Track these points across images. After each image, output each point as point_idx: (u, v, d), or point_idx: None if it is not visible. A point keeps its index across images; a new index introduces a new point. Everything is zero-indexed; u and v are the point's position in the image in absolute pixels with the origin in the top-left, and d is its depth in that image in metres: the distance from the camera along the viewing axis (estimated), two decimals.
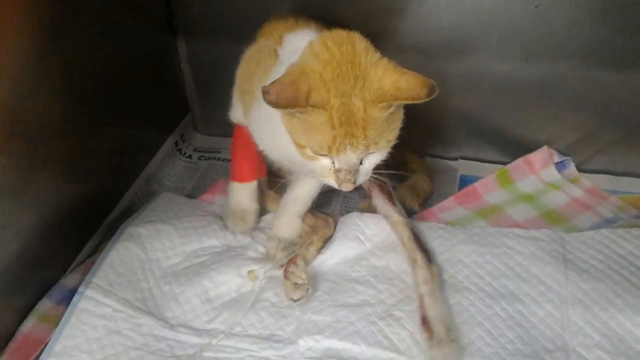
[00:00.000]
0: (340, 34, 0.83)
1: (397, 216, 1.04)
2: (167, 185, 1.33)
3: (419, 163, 1.29)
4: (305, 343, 0.92)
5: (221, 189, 1.20)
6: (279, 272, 1.02)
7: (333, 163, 0.83)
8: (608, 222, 1.12)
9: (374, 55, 0.81)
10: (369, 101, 0.78)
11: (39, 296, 0.99)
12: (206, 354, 0.92)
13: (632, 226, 1.07)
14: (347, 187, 0.84)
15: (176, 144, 1.44)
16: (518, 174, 1.25)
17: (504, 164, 1.28)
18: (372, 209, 1.12)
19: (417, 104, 1.22)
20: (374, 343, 0.91)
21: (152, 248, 1.07)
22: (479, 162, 1.33)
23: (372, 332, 0.92)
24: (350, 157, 0.81)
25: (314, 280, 1.02)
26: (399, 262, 1.03)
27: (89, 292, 0.97)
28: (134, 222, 1.12)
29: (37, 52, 0.94)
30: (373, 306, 0.97)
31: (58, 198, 1.03)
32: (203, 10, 1.31)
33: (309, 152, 0.83)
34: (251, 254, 1.08)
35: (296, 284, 0.98)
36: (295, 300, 0.97)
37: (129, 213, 1.21)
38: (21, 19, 0.90)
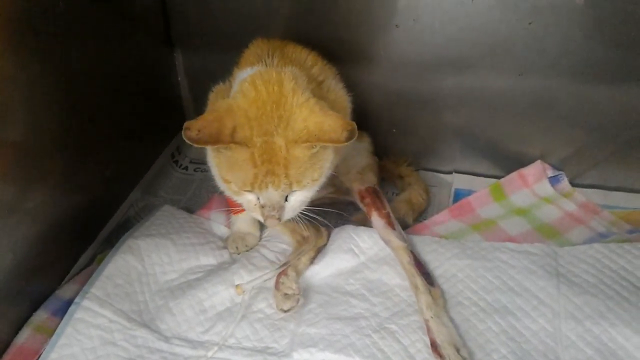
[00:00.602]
0: (269, 73, 0.85)
1: (397, 241, 1.04)
2: (163, 196, 1.34)
3: (415, 177, 1.30)
4: (300, 356, 0.92)
5: (217, 204, 1.20)
6: (271, 284, 1.02)
7: (258, 199, 0.86)
8: (601, 237, 1.13)
9: (300, 97, 0.83)
10: (292, 141, 0.81)
11: (35, 307, 0.99)
12: None
13: (624, 241, 1.08)
14: (271, 223, 0.87)
15: (172, 155, 1.45)
16: (512, 187, 1.26)
17: (498, 177, 1.29)
18: (366, 222, 1.13)
19: (412, 119, 1.25)
20: (368, 356, 0.91)
21: (150, 262, 1.08)
22: (473, 176, 1.34)
23: (366, 345, 0.93)
24: (272, 194, 0.83)
25: (308, 293, 1.03)
26: (392, 275, 1.04)
27: (86, 303, 0.97)
28: (133, 234, 1.12)
29: (33, 65, 0.95)
30: (367, 319, 0.97)
31: (54, 210, 1.04)
32: (199, 22, 1.33)
33: (234, 188, 0.86)
34: (244, 268, 1.08)
35: (286, 294, 0.98)
36: (285, 311, 0.98)
37: (125, 224, 1.22)
38: (17, 32, 0.90)
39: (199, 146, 0.82)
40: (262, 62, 0.97)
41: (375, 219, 1.08)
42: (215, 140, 0.81)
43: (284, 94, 0.83)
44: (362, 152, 1.19)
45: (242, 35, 1.26)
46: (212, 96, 1.04)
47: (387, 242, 1.06)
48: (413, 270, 1.00)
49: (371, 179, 1.15)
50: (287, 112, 0.82)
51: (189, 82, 1.44)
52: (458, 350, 0.89)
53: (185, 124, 0.80)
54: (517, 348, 0.91)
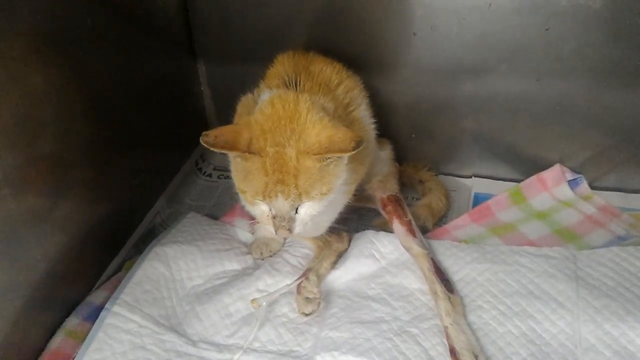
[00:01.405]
0: (288, 94, 0.90)
1: (418, 248, 1.06)
2: (188, 203, 1.37)
3: (435, 182, 1.31)
4: (323, 359, 0.94)
5: (240, 211, 1.23)
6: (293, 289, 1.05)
7: (270, 210, 0.89)
8: (620, 240, 1.13)
9: (314, 115, 0.87)
10: (302, 152, 0.84)
11: (67, 313, 1.03)
12: None
13: None
14: (282, 234, 0.90)
15: (196, 163, 1.48)
16: (531, 191, 1.27)
17: (518, 181, 1.30)
18: (386, 226, 1.15)
19: (431, 124, 1.26)
20: (389, 359, 0.93)
21: (177, 268, 1.11)
22: (492, 180, 1.35)
23: (388, 348, 0.95)
24: (282, 204, 0.86)
25: (330, 297, 1.05)
26: (413, 280, 1.06)
27: (116, 308, 1.00)
28: (160, 241, 1.16)
29: (62, 80, 0.98)
30: (388, 323, 0.99)
31: (83, 219, 1.07)
32: (222, 34, 1.36)
33: (249, 197, 0.89)
34: (267, 273, 1.10)
35: (308, 298, 1.01)
36: (307, 314, 1.01)
37: (151, 231, 1.26)
38: (47, 49, 0.94)
39: (216, 150, 0.86)
40: (285, 86, 1.01)
41: (397, 226, 1.10)
42: (231, 147, 0.85)
43: (299, 111, 0.87)
44: (384, 160, 1.21)
45: (263, 46, 1.30)
46: (239, 107, 1.07)
47: (408, 249, 1.07)
48: (433, 277, 1.01)
49: (393, 187, 1.18)
50: (300, 127, 0.85)
51: (212, 92, 1.47)
52: (476, 357, 0.90)
53: (204, 132, 0.85)
54: (537, 351, 0.92)
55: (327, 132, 0.85)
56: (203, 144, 0.85)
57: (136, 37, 1.20)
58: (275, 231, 0.90)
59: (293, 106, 0.87)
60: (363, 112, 1.08)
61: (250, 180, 0.88)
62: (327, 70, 1.06)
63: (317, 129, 0.85)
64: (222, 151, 0.86)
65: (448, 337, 0.94)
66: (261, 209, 0.90)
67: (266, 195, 0.86)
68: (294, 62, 1.06)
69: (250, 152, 0.85)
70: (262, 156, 0.85)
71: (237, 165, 0.90)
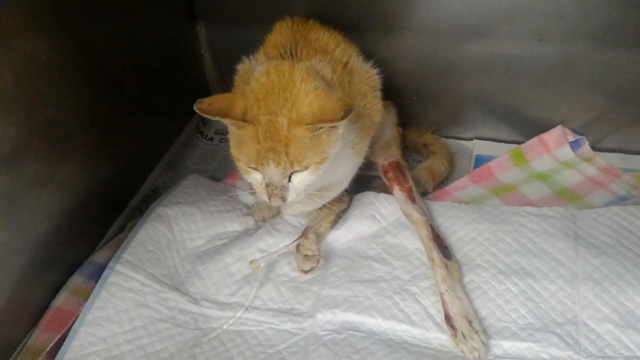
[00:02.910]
0: (283, 64, 0.90)
1: (417, 215, 1.06)
2: (190, 166, 1.38)
3: (439, 145, 1.31)
4: (324, 316, 0.96)
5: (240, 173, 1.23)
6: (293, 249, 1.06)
7: (264, 178, 0.89)
8: (621, 200, 1.14)
9: (308, 84, 0.86)
10: (294, 121, 0.84)
11: (70, 272, 1.04)
12: (229, 327, 0.97)
13: None
14: (275, 202, 0.90)
15: (197, 127, 1.48)
16: (532, 153, 1.27)
17: (519, 143, 1.29)
18: (386, 188, 1.15)
19: (433, 87, 1.25)
20: (389, 316, 0.95)
21: (178, 229, 1.12)
22: (494, 142, 1.35)
23: (388, 306, 0.96)
24: (273, 171, 0.87)
25: (330, 257, 1.06)
26: (413, 240, 1.06)
27: (119, 267, 1.02)
28: (162, 203, 1.17)
29: (61, 46, 0.98)
30: (388, 282, 1.00)
31: (86, 181, 1.08)
32: None
33: (243, 165, 0.90)
34: (268, 234, 1.11)
35: (306, 255, 1.02)
36: (306, 272, 1.02)
37: (153, 194, 1.27)
38: (45, 15, 0.94)
39: (209, 117, 0.86)
40: (284, 56, 1.00)
41: (397, 192, 1.10)
42: (225, 114, 0.86)
43: (293, 80, 0.86)
44: (387, 124, 1.20)
45: (264, 7, 1.29)
46: (237, 77, 1.06)
47: (407, 215, 1.08)
48: (431, 244, 1.02)
49: (394, 153, 1.17)
50: (293, 96, 0.85)
51: (212, 56, 1.46)
52: (470, 323, 0.91)
53: (199, 99, 0.86)
54: (536, 308, 0.94)
55: (319, 101, 0.84)
56: (197, 110, 0.85)
57: (135, 1, 1.19)
58: (269, 199, 0.90)
59: (288, 75, 0.87)
60: (362, 63, 1.07)
61: (243, 148, 0.88)
62: (325, 36, 1.05)
63: (309, 98, 0.85)
64: (216, 118, 0.86)
65: (443, 302, 0.95)
66: (255, 177, 0.91)
67: (258, 162, 0.86)
68: (292, 31, 1.05)
69: (244, 121, 0.86)
70: (255, 124, 0.85)
71: (232, 133, 0.90)
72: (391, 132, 1.21)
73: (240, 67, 1.06)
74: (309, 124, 0.83)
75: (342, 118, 0.82)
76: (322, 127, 0.85)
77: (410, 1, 1.20)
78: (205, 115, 0.86)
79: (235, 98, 0.87)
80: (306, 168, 0.87)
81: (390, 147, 1.18)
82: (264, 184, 0.90)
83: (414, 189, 1.11)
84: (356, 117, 0.98)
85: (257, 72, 0.92)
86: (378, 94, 1.07)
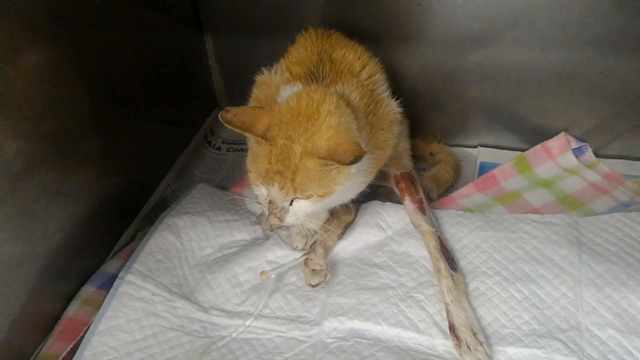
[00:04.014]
0: (316, 92, 0.90)
1: (426, 226, 1.07)
2: (198, 176, 1.39)
3: (445, 154, 1.32)
4: (330, 324, 0.98)
5: (248, 182, 1.25)
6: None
7: (267, 195, 0.91)
8: (623, 206, 1.14)
9: (333, 120, 0.87)
10: (307, 152, 0.85)
11: (82, 282, 1.06)
12: (237, 335, 0.98)
13: None
14: (273, 220, 0.93)
15: (205, 136, 1.50)
16: (536, 160, 1.27)
17: (523, 150, 1.30)
18: (391, 195, 1.17)
19: (437, 95, 1.26)
20: (395, 323, 0.96)
21: (187, 238, 1.14)
22: (498, 149, 1.36)
23: (394, 314, 0.97)
24: (276, 193, 0.89)
25: (337, 265, 1.08)
26: (418, 248, 1.08)
27: (130, 277, 1.04)
28: (171, 213, 1.19)
29: (71, 56, 1.00)
30: (394, 289, 1.02)
31: (96, 191, 1.10)
32: (229, 7, 1.37)
33: (253, 177, 0.92)
34: (277, 244, 1.13)
35: (314, 270, 1.03)
36: (313, 286, 1.03)
37: (162, 203, 1.29)
38: (55, 26, 0.95)
39: (231, 128, 0.88)
40: (311, 76, 1.01)
41: (408, 203, 1.11)
42: (247, 128, 0.88)
43: (320, 112, 0.87)
44: (400, 136, 1.19)
45: (271, 19, 1.31)
46: (255, 88, 1.08)
47: (416, 226, 1.08)
48: (438, 255, 1.02)
49: (407, 164, 1.18)
50: (314, 127, 0.86)
51: (220, 66, 1.48)
52: (475, 335, 0.92)
53: (226, 107, 0.88)
54: (539, 314, 0.95)
55: (337, 139, 0.85)
56: (220, 119, 0.87)
57: (143, 12, 1.21)
58: (268, 215, 0.92)
59: (316, 106, 0.88)
60: (385, 94, 1.08)
61: (256, 163, 0.90)
62: (350, 56, 1.05)
63: (329, 133, 0.86)
64: (237, 130, 0.88)
65: (448, 313, 0.95)
66: (261, 192, 0.93)
67: (265, 180, 0.89)
68: (317, 47, 1.06)
69: (263, 138, 0.88)
70: (271, 145, 0.87)
71: (250, 145, 0.93)
72: (404, 143, 1.22)
73: (258, 78, 1.08)
74: (320, 158, 0.85)
75: (350, 163, 0.83)
76: (332, 164, 0.86)
77: (414, 11, 1.22)
78: (227, 126, 0.87)
79: (262, 115, 0.89)
80: (308, 198, 0.89)
81: (403, 159, 1.18)
82: (267, 200, 0.92)
83: (424, 200, 1.12)
84: (373, 148, 1.00)
85: (289, 92, 0.94)
86: (395, 129, 1.08)
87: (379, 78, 1.08)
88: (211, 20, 1.41)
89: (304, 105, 0.88)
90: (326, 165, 0.86)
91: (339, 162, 0.84)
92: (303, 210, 0.92)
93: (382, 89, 1.07)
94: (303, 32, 1.10)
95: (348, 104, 0.94)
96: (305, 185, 0.87)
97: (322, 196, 0.90)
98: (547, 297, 0.97)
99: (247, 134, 0.89)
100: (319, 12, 1.29)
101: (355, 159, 0.83)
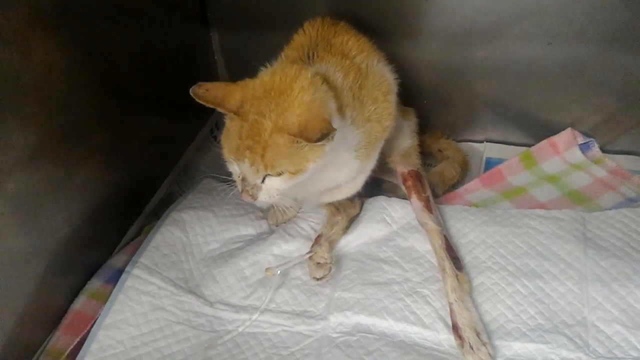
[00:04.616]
0: (291, 68, 0.89)
1: (432, 224, 1.06)
2: (203, 170, 1.39)
3: (454, 150, 1.32)
4: (336, 319, 0.98)
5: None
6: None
7: (240, 172, 0.91)
8: (630, 202, 1.15)
9: (306, 95, 0.86)
10: (278, 127, 0.84)
11: (89, 276, 1.07)
12: (243, 329, 0.99)
13: None
14: (245, 197, 0.91)
15: (211, 131, 1.50)
16: (542, 155, 1.27)
17: (529, 146, 1.30)
18: (396, 189, 1.17)
19: (443, 90, 1.26)
20: (401, 318, 0.96)
21: (193, 233, 1.14)
22: (504, 145, 1.36)
23: (399, 308, 0.98)
24: (247, 169, 0.87)
25: (342, 260, 1.08)
26: (424, 243, 1.08)
27: (136, 271, 1.04)
28: (177, 207, 1.19)
29: (77, 50, 1.00)
30: (400, 284, 1.02)
31: (102, 186, 1.10)
32: (234, 2, 1.37)
33: (225, 153, 0.91)
34: (281, 238, 1.13)
35: (319, 263, 1.03)
36: (318, 279, 1.03)
37: (169, 197, 1.29)
38: (61, 19, 0.96)
39: (202, 102, 0.87)
40: (300, 59, 1.01)
41: (415, 201, 1.11)
42: (219, 103, 0.87)
43: (292, 87, 0.86)
44: (406, 133, 1.20)
45: (277, 14, 1.31)
46: None
47: (422, 224, 1.08)
48: (443, 254, 1.02)
49: (414, 162, 1.17)
50: (286, 103, 0.85)
51: (225, 61, 1.49)
52: (478, 335, 0.91)
53: (199, 83, 0.87)
54: (545, 309, 0.95)
55: (308, 115, 0.84)
56: (192, 94, 0.86)
57: (149, 6, 1.21)
58: (241, 192, 0.91)
59: (289, 81, 0.86)
60: (378, 65, 1.06)
61: (228, 138, 0.90)
62: (350, 42, 1.05)
63: (301, 109, 0.85)
64: (209, 105, 0.87)
65: (452, 312, 0.95)
66: (234, 168, 0.93)
67: (236, 156, 0.88)
68: (316, 32, 1.05)
69: (235, 114, 0.87)
70: (242, 120, 0.86)
71: (226, 121, 0.92)
72: (412, 140, 1.20)
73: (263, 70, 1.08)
74: (291, 135, 0.84)
75: (318, 140, 0.82)
76: (302, 141, 0.85)
77: (420, 6, 1.21)
78: (199, 100, 0.87)
79: (234, 90, 0.88)
80: (279, 175, 0.88)
81: (410, 156, 1.18)
82: (239, 177, 0.92)
83: (431, 199, 1.12)
84: (364, 121, 0.98)
85: (265, 70, 0.93)
86: (391, 97, 1.06)
87: (373, 56, 1.06)
88: (217, 14, 1.41)
89: (277, 81, 0.87)
90: (296, 142, 0.85)
91: (307, 139, 0.83)
92: (275, 188, 0.90)
93: (375, 62, 1.05)
94: (310, 20, 1.09)
95: (328, 81, 0.92)
96: (275, 161, 0.86)
97: (294, 173, 0.88)
98: (553, 292, 0.97)
99: (219, 109, 0.88)
100: (324, 6, 1.29)
101: (322, 136, 0.82)
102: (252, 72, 1.08)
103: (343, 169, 1.00)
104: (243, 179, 0.91)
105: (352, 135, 0.96)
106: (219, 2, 1.39)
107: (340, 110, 0.92)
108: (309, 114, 0.84)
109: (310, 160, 0.87)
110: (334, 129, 0.83)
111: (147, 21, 1.21)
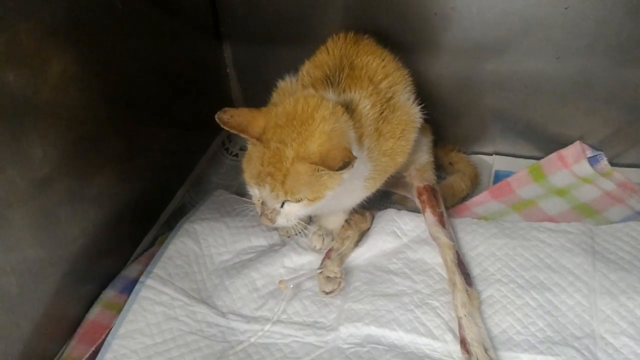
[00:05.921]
0: (313, 98, 0.92)
1: (445, 239, 1.07)
2: (215, 182, 1.41)
3: (465, 164, 1.33)
4: (347, 330, 0.99)
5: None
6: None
7: (259, 196, 0.93)
8: (638, 215, 1.15)
9: (327, 125, 0.88)
10: (299, 156, 0.87)
11: (103, 286, 1.08)
12: (255, 339, 1.00)
13: None
14: (264, 221, 0.95)
15: (223, 143, 1.52)
16: (551, 168, 1.28)
17: (538, 159, 1.31)
18: (405, 200, 1.19)
19: (452, 104, 1.27)
20: (410, 329, 0.97)
21: (206, 244, 1.16)
22: (513, 157, 1.37)
23: (409, 320, 0.98)
24: (267, 195, 0.90)
25: (353, 272, 1.09)
26: (434, 255, 1.09)
27: (150, 282, 1.06)
28: (190, 219, 1.21)
29: (93, 63, 1.02)
30: (410, 296, 1.03)
31: (117, 197, 1.12)
32: (247, 16, 1.39)
33: (247, 177, 0.94)
34: (293, 250, 1.14)
35: (329, 277, 1.04)
36: (327, 293, 1.04)
37: (181, 209, 1.31)
38: (78, 33, 0.98)
39: (226, 128, 0.90)
40: (327, 80, 1.02)
41: (429, 215, 1.12)
42: (243, 130, 0.90)
43: (314, 118, 0.89)
44: (423, 148, 1.21)
45: (289, 27, 1.32)
46: (275, 94, 1.09)
47: (435, 238, 1.09)
48: (454, 269, 1.02)
49: (430, 177, 1.18)
50: (308, 132, 0.88)
51: (238, 74, 1.50)
52: (486, 351, 0.92)
53: (224, 108, 0.90)
54: (554, 321, 0.95)
55: (328, 145, 0.87)
56: (217, 120, 0.89)
57: (163, 21, 1.23)
58: (260, 216, 0.94)
59: (311, 111, 0.89)
60: (407, 101, 1.08)
61: (250, 163, 0.93)
62: (374, 63, 1.06)
63: (322, 139, 0.87)
64: (232, 131, 0.90)
65: (460, 327, 0.96)
66: (254, 192, 0.95)
67: (257, 181, 0.91)
68: (340, 52, 1.07)
69: (258, 140, 0.90)
70: (264, 147, 0.89)
71: (248, 145, 0.95)
72: (429, 155, 1.21)
73: (280, 84, 1.10)
74: (312, 163, 0.87)
75: (340, 169, 0.85)
76: (323, 170, 0.88)
77: (430, 20, 1.23)
78: (223, 126, 0.89)
79: (258, 117, 0.91)
80: (298, 201, 0.91)
81: (427, 171, 1.19)
82: (259, 201, 0.94)
83: (445, 214, 1.12)
84: (379, 155, 1.01)
85: (288, 99, 0.94)
86: (410, 136, 1.08)
87: (401, 87, 1.08)
88: (230, 28, 1.43)
89: (300, 110, 0.89)
90: (317, 170, 0.88)
91: (329, 167, 0.86)
92: (294, 213, 0.93)
93: (404, 97, 1.07)
94: (333, 36, 1.11)
95: (351, 111, 0.95)
96: (295, 188, 0.89)
97: (312, 200, 0.91)
98: (562, 304, 0.98)
99: (242, 135, 0.91)
100: (336, 21, 1.30)
101: (344, 165, 0.84)
102: (264, 86, 1.12)
103: (350, 195, 1.04)
104: (263, 203, 0.93)
105: (365, 166, 0.99)
106: (232, 17, 1.41)
107: (360, 139, 0.96)
108: (330, 143, 0.87)
109: (328, 187, 0.90)
110: (355, 157, 0.86)
111: (161, 35, 1.23)
